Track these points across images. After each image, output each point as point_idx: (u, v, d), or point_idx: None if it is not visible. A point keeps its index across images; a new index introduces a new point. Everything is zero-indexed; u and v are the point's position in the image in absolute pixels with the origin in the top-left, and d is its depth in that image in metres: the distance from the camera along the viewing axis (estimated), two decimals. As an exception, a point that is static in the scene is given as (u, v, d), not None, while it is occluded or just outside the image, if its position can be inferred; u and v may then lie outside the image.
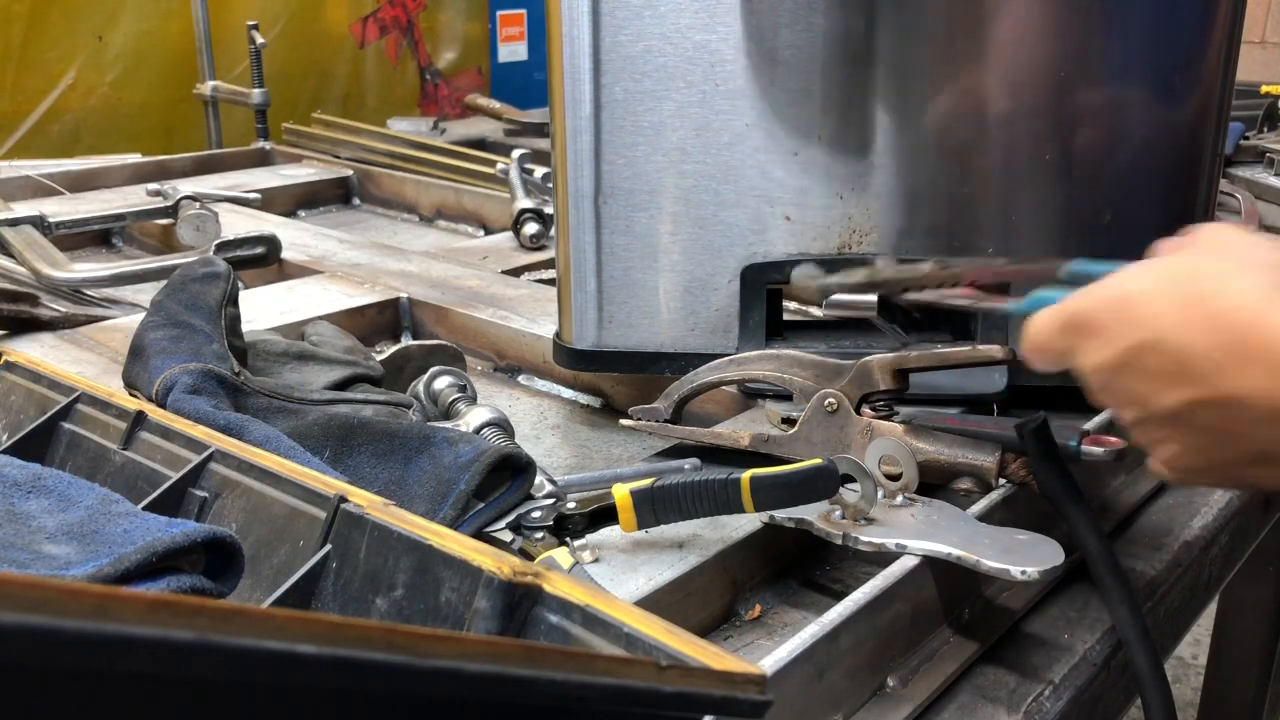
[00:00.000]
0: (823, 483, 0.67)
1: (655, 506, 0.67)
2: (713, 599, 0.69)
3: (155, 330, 0.86)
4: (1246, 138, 2.03)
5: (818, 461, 0.67)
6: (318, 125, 2.24)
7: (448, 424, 0.83)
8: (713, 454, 0.85)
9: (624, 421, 0.85)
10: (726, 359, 0.85)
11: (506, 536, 0.71)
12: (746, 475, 0.67)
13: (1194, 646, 2.32)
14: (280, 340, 0.97)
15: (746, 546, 0.70)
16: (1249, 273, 0.55)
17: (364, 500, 0.53)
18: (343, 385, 0.88)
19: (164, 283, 0.95)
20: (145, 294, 1.30)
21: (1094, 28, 0.86)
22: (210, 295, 0.90)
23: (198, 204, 1.51)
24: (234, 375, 0.81)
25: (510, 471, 0.73)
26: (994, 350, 0.75)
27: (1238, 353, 0.53)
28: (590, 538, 0.69)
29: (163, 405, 0.76)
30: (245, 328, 0.95)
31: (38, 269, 1.25)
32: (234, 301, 0.92)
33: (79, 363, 1.04)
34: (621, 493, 0.68)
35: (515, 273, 1.39)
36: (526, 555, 0.67)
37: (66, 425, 0.69)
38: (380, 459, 0.74)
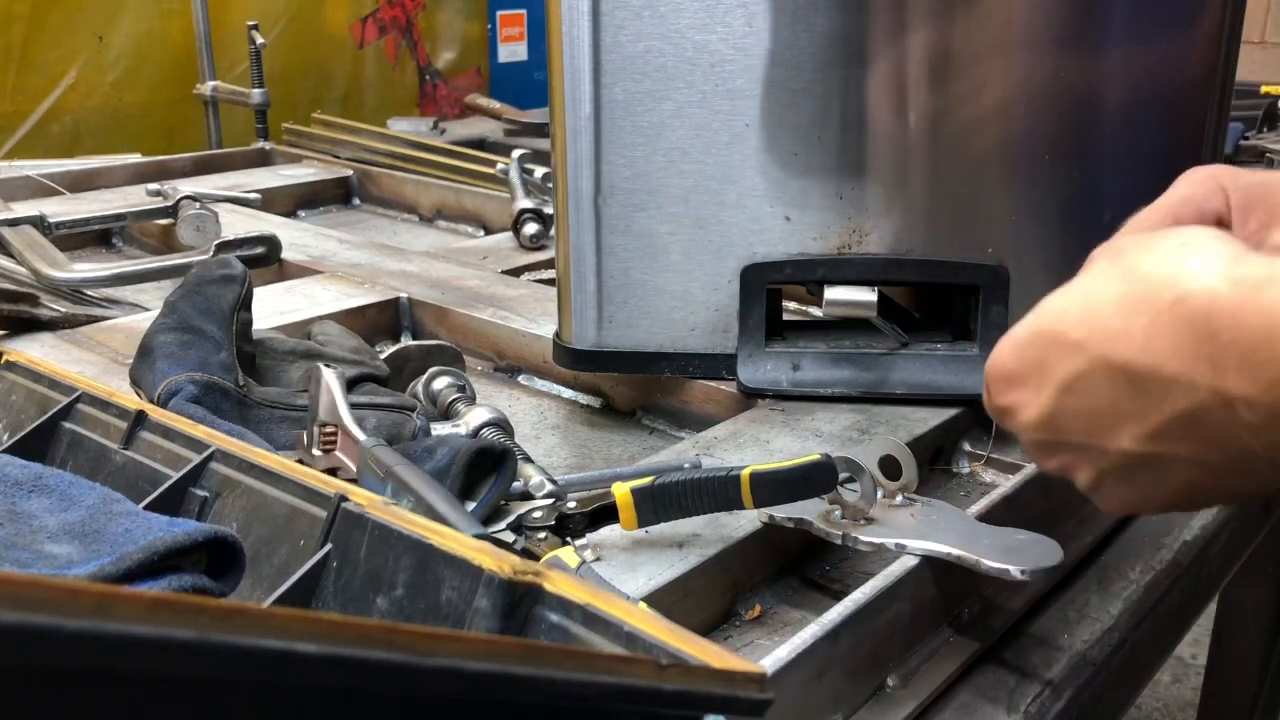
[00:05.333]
0: (821, 477, 0.67)
1: (655, 504, 0.67)
2: (713, 599, 0.69)
3: (165, 333, 0.86)
4: (1246, 138, 2.03)
5: (816, 457, 0.67)
6: (317, 125, 2.24)
7: (446, 424, 0.83)
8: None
9: None
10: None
11: (509, 537, 0.71)
12: (746, 471, 0.67)
13: (1194, 646, 2.32)
14: (287, 339, 0.97)
15: (746, 546, 0.71)
16: (1203, 247, 0.44)
17: (364, 499, 0.53)
18: (349, 385, 0.89)
19: (166, 283, 0.95)
20: (145, 294, 1.31)
21: (1093, 28, 0.86)
22: (224, 299, 0.90)
23: (198, 204, 1.51)
24: (237, 388, 0.81)
25: (492, 463, 0.73)
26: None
27: (1210, 355, 0.42)
28: (591, 537, 0.70)
29: (163, 409, 0.76)
30: (246, 328, 0.95)
31: (38, 269, 1.26)
32: (247, 305, 0.93)
33: (79, 363, 1.04)
34: (622, 491, 0.68)
35: (515, 273, 1.39)
36: (531, 555, 0.67)
37: (67, 425, 0.69)
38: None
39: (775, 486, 0.67)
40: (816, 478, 0.67)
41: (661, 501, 0.68)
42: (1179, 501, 0.49)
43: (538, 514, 0.70)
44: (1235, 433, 0.42)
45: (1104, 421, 0.47)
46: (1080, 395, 0.47)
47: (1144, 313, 0.44)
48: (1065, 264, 0.90)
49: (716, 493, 0.67)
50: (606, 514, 0.69)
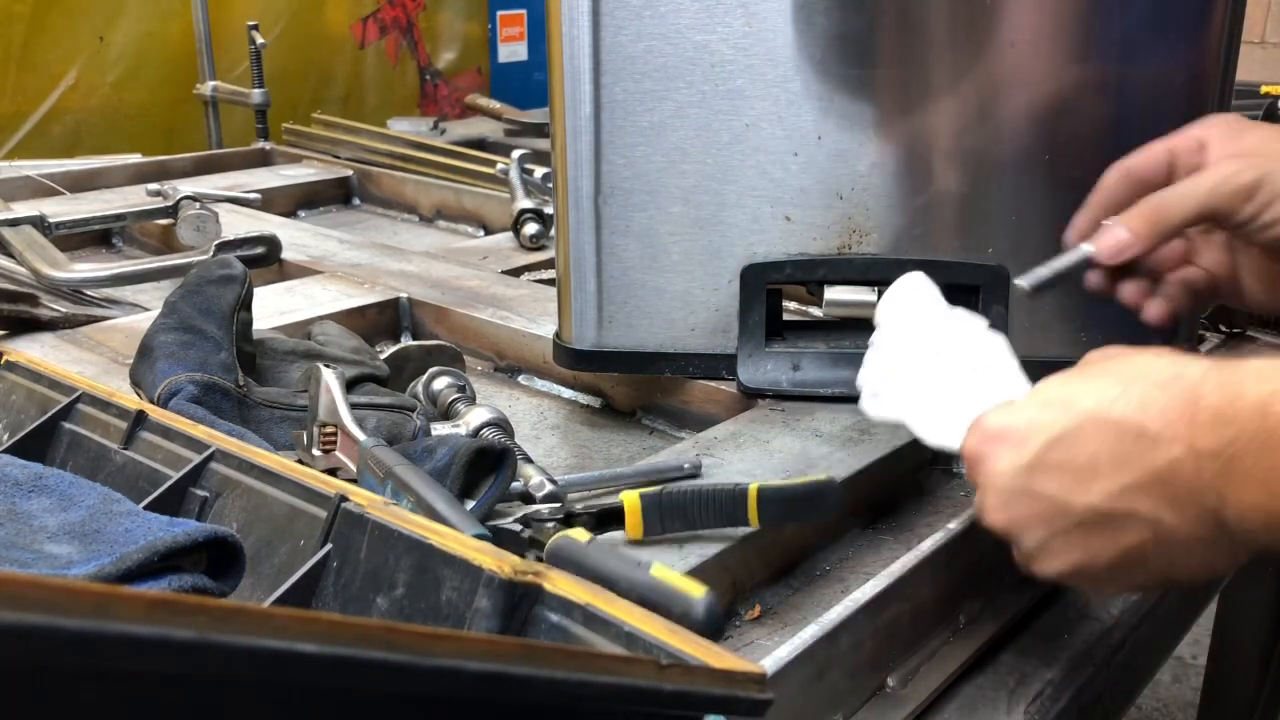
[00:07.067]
0: (826, 498, 0.68)
1: (662, 515, 0.68)
2: (713, 599, 0.69)
3: (166, 333, 0.86)
4: (1246, 138, 2.03)
5: (823, 477, 0.68)
6: (318, 125, 2.24)
7: (446, 424, 0.83)
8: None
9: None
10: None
11: (516, 526, 0.71)
12: (753, 486, 0.67)
13: (1194, 646, 2.32)
14: (287, 339, 0.97)
15: (746, 546, 0.71)
16: (1185, 358, 0.54)
17: (364, 499, 0.53)
18: (349, 385, 0.89)
19: (166, 283, 0.95)
20: (145, 294, 1.30)
21: (1093, 28, 0.86)
22: (224, 299, 0.90)
23: (198, 204, 1.51)
24: (237, 388, 0.81)
25: (492, 462, 0.73)
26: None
27: (1191, 416, 0.51)
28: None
29: (163, 409, 0.76)
30: (246, 328, 0.95)
31: (38, 269, 1.25)
32: (247, 305, 0.93)
33: (79, 363, 1.04)
34: (631, 498, 0.68)
35: (515, 273, 1.39)
36: (538, 544, 0.67)
37: (67, 425, 0.69)
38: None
39: (781, 503, 0.68)
40: (821, 498, 0.68)
41: (668, 512, 0.68)
42: (1119, 567, 0.55)
43: (544, 516, 0.71)
44: (1199, 491, 0.50)
45: (1081, 475, 0.53)
46: (1066, 447, 0.54)
47: (1139, 381, 0.52)
48: (1065, 264, 0.90)
49: (723, 507, 0.68)
50: (613, 518, 0.69)
